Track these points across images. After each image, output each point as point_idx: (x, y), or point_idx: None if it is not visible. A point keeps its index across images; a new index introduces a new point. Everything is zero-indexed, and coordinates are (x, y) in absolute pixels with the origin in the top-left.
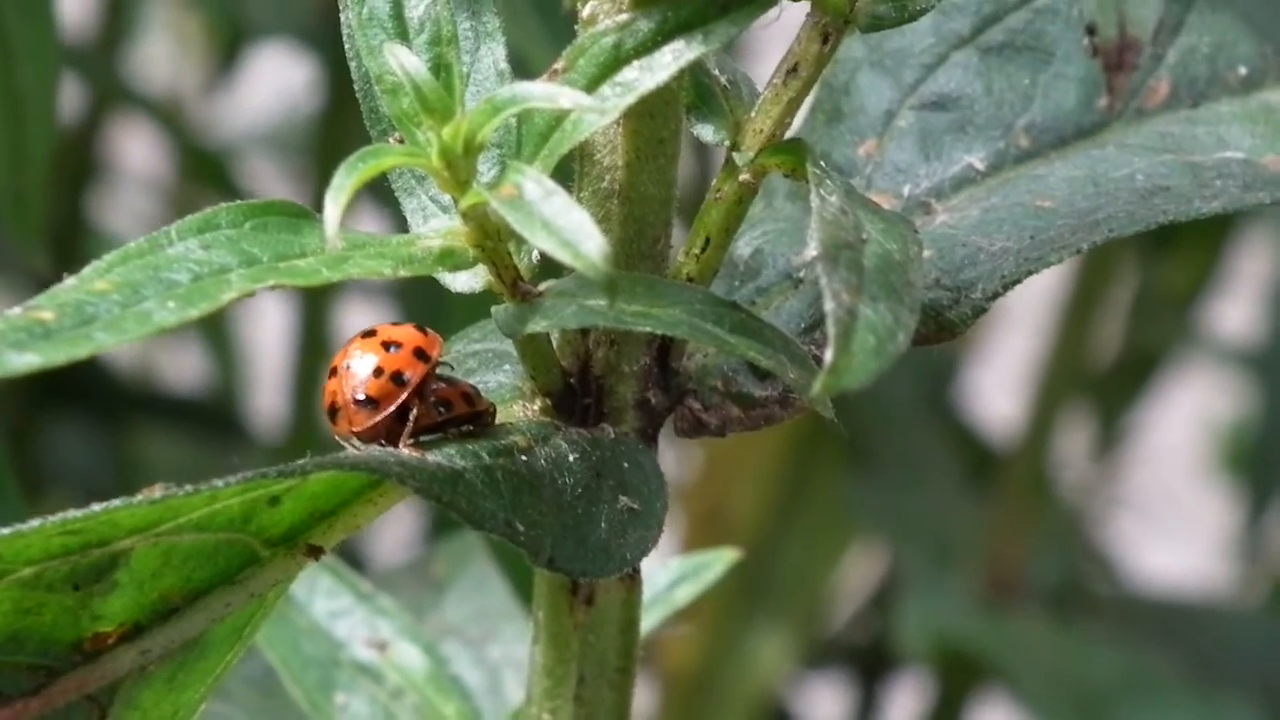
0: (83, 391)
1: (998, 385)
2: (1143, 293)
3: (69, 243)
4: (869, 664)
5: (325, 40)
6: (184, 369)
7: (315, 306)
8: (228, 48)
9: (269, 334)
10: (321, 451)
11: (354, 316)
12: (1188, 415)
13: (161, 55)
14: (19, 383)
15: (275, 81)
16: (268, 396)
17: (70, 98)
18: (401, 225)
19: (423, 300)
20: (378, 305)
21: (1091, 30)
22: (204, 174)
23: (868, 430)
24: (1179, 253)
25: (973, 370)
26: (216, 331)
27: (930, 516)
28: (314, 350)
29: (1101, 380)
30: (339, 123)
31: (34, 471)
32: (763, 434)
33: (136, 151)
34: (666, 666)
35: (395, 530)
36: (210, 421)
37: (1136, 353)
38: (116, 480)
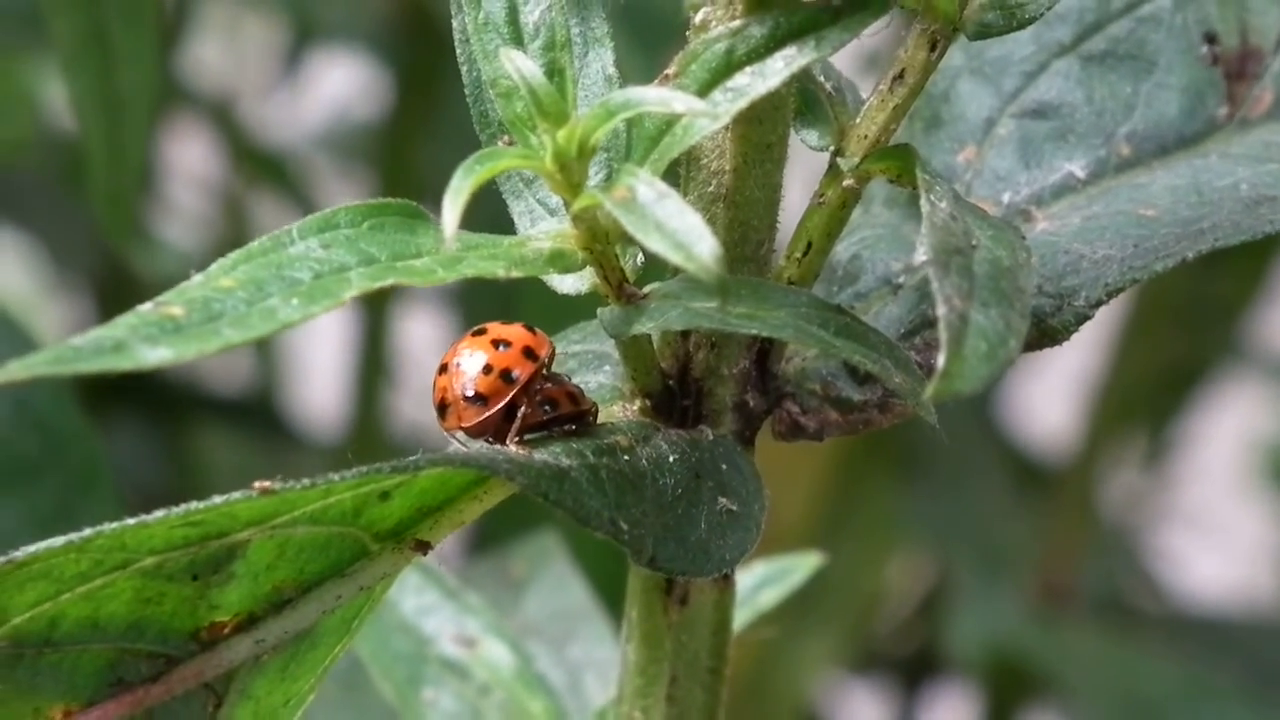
0: (137, 393)
1: (1044, 398)
2: (1191, 305)
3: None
4: (913, 672)
5: (393, 46)
6: (232, 370)
7: (376, 311)
8: (291, 51)
9: (319, 335)
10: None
11: (412, 320)
12: (1235, 428)
13: (214, 57)
14: (76, 386)
15: (329, 85)
16: (318, 397)
17: None
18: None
19: (484, 305)
20: (436, 310)
21: (1212, 39)
22: (262, 176)
23: (917, 442)
24: (1228, 266)
25: (1019, 383)
26: None
27: (980, 527)
28: (374, 352)
29: (1150, 392)
30: (403, 127)
31: None
32: (813, 447)
33: (185, 153)
34: None
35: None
36: (262, 422)
37: (1185, 365)
38: (171, 481)
